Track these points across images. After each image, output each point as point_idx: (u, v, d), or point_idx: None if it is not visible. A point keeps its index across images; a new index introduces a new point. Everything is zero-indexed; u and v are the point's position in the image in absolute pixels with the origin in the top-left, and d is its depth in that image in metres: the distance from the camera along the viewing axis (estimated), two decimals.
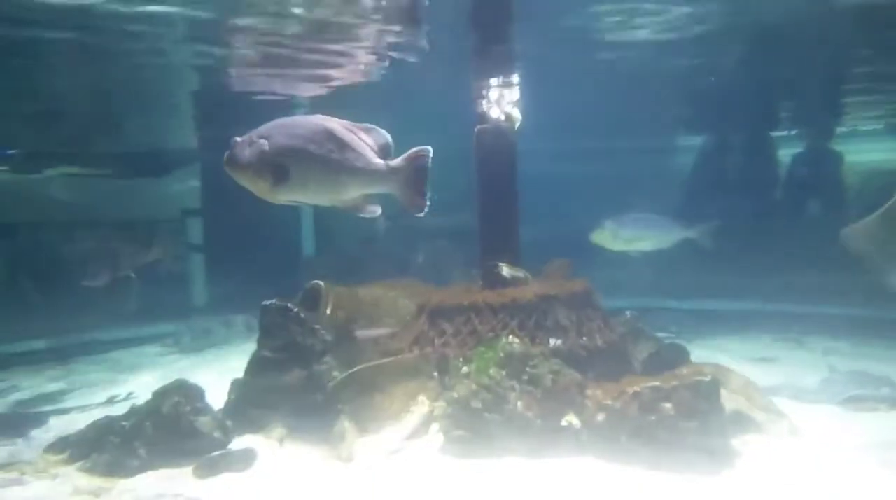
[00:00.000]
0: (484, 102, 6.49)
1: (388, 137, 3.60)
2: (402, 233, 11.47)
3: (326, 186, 3.56)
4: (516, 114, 6.29)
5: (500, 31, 6.86)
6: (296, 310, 6.27)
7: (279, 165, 3.44)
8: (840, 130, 12.82)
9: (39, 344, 9.58)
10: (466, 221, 7.25)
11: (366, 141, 3.56)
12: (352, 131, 3.55)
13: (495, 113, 6.31)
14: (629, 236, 8.19)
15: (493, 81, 7.42)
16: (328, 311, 6.50)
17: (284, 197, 3.56)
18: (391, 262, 10.67)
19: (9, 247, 10.92)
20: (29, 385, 8.02)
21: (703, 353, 6.27)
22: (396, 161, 3.56)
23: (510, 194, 6.29)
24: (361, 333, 6.13)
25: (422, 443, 5.11)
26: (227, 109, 9.85)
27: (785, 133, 12.97)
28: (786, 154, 12.43)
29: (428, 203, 3.60)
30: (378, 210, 3.75)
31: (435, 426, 5.26)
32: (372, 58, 7.72)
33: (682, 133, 14.47)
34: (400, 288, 7.04)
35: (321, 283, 6.61)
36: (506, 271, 6.02)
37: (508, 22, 6.66)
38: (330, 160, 3.47)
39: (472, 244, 6.72)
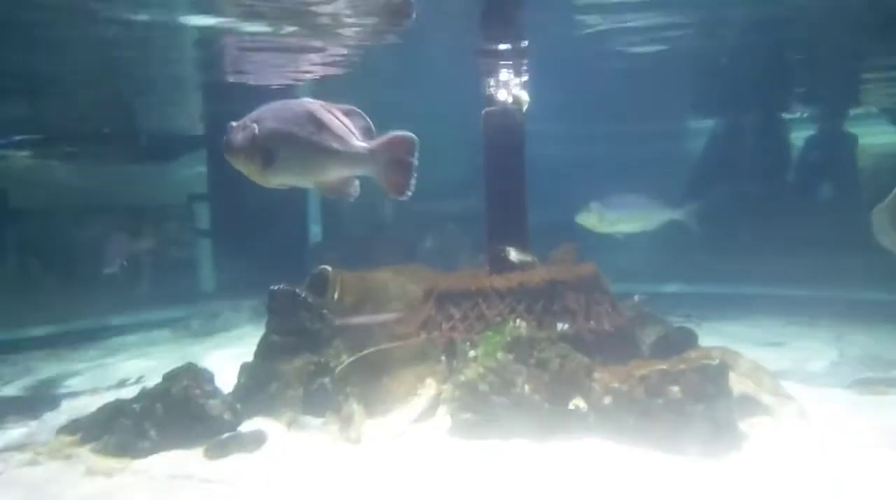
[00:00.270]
0: (491, 83, 6.44)
1: (368, 120, 3.67)
2: (410, 218, 11.46)
3: (310, 169, 3.67)
4: (524, 96, 6.25)
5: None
6: (304, 295, 6.31)
7: (267, 149, 3.54)
8: (854, 111, 12.64)
9: (50, 329, 9.64)
10: (473, 206, 7.25)
11: (347, 124, 3.63)
12: (334, 114, 3.62)
13: (503, 95, 6.26)
14: (614, 218, 8.13)
15: (502, 61, 7.35)
16: (336, 296, 6.53)
17: (274, 180, 3.67)
18: (399, 247, 10.66)
19: (18, 232, 10.98)
20: (40, 369, 8.10)
21: (712, 337, 6.26)
22: (375, 144, 3.63)
23: (518, 178, 6.26)
24: (363, 319, 6.15)
25: (429, 425, 5.14)
26: (232, 92, 9.85)
27: (797, 115, 12.83)
28: (798, 137, 12.31)
29: (412, 187, 3.68)
30: (356, 192, 3.83)
31: (442, 409, 5.29)
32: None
33: (692, 116, 14.34)
34: (407, 273, 7.04)
35: (328, 268, 6.64)
36: (513, 255, 6.01)
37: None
38: (312, 143, 3.56)
39: (479, 229, 6.71)
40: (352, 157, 3.61)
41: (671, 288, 9.98)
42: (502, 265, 6.01)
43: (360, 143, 3.61)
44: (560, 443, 4.66)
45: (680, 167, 12.31)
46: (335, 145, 3.58)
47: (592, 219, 8.04)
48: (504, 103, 6.24)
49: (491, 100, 6.32)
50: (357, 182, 3.77)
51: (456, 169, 9.94)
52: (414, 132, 3.73)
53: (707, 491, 3.84)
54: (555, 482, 4.10)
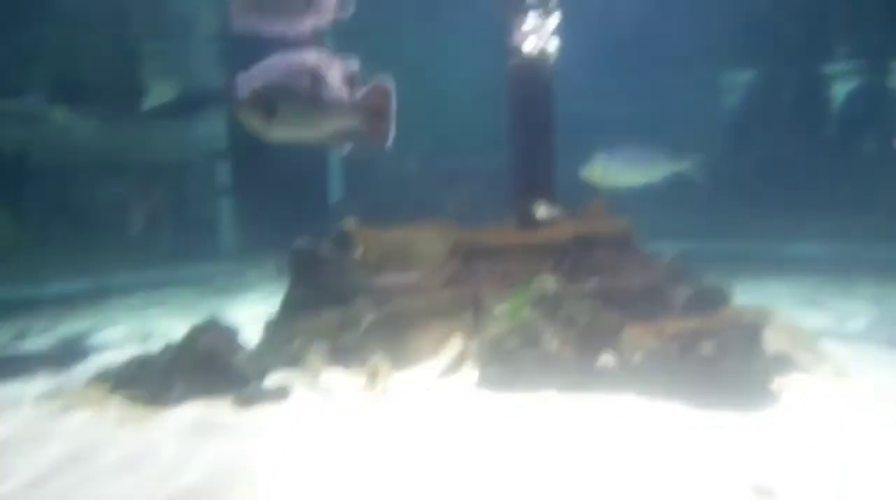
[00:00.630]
0: (518, 32, 6.24)
1: (356, 66, 3.72)
2: (434, 175, 11.34)
3: (307, 122, 3.74)
4: (553, 46, 6.05)
5: None
6: (326, 251, 6.26)
7: (267, 103, 3.62)
8: None
9: (74, 286, 9.74)
10: (499, 163, 7.09)
11: (340, 76, 3.70)
12: (327, 64, 3.68)
13: (530, 46, 6.07)
14: (618, 171, 7.94)
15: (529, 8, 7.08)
16: (359, 252, 6.47)
17: (275, 133, 3.73)
18: (422, 206, 10.56)
19: (41, 190, 11.03)
20: (66, 325, 8.18)
21: (748, 295, 6.11)
22: (357, 95, 3.69)
23: (546, 131, 6.11)
24: (387, 279, 6.08)
25: (455, 379, 5.11)
26: (251, 46, 9.68)
27: (840, 66, 12.39)
28: (840, 90, 11.92)
29: (391, 135, 3.73)
30: (349, 145, 3.90)
31: (468, 364, 5.25)
32: None
33: (729, 67, 13.87)
34: (432, 230, 6.95)
35: (352, 224, 6.57)
36: (541, 210, 5.89)
37: None
38: (308, 97, 3.64)
39: (505, 187, 6.59)
40: (339, 107, 3.68)
41: (706, 246, 9.78)
42: (530, 221, 5.91)
43: (346, 93, 3.70)
44: (588, 399, 4.61)
45: (715, 123, 12.01)
46: (328, 98, 3.65)
47: (597, 172, 7.86)
48: (531, 54, 6.06)
49: (517, 51, 6.14)
50: (349, 134, 3.83)
51: (481, 125, 9.77)
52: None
53: (738, 448, 3.77)
54: (583, 434, 4.05)
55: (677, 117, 11.58)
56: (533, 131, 6.15)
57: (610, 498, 3.25)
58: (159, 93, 11.65)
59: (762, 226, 9.97)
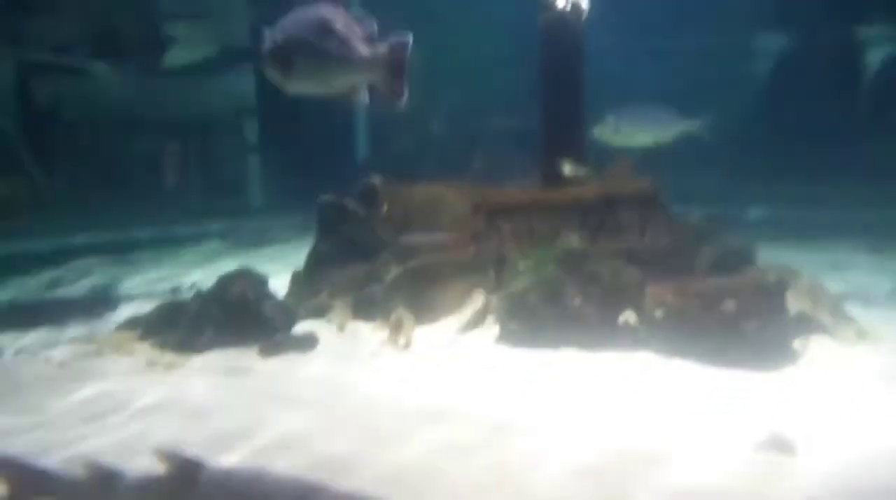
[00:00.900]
0: None
1: (374, 26, 3.79)
2: (460, 135, 11.31)
3: (324, 76, 3.84)
4: (585, 1, 5.97)
5: None
6: (352, 206, 6.33)
7: (286, 57, 3.73)
8: None
9: (105, 238, 9.94)
10: (525, 122, 7.06)
11: (356, 31, 3.76)
12: (345, 21, 3.76)
13: (561, 1, 6.00)
14: (629, 130, 7.86)
15: None
16: (384, 208, 6.52)
17: (294, 87, 3.85)
18: (448, 165, 10.57)
19: (74, 145, 11.19)
20: (96, 276, 8.38)
21: (773, 259, 6.10)
22: (377, 48, 3.75)
23: (575, 88, 6.06)
24: (413, 238, 6.14)
25: (477, 334, 5.19)
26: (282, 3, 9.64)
27: (875, 28, 12.05)
28: (877, 54, 11.60)
29: (407, 92, 3.77)
30: (365, 100, 3.97)
31: (490, 319, 5.32)
32: None
33: (762, 31, 13.53)
34: (457, 188, 6.98)
35: (377, 180, 6.62)
36: (568, 168, 5.88)
37: None
38: (325, 50, 3.72)
39: (530, 147, 6.57)
40: (357, 62, 3.75)
41: (735, 210, 9.71)
42: (556, 179, 5.90)
43: (365, 48, 3.75)
44: (609, 354, 4.66)
45: (745, 90, 11.79)
46: (345, 52, 3.72)
47: (608, 132, 7.79)
48: (563, 9, 5.98)
49: (549, 5, 6.06)
50: (364, 89, 3.91)
51: (507, 84, 9.69)
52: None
53: (756, 406, 3.80)
54: (602, 388, 4.11)
55: (709, 81, 11.38)
56: (562, 88, 6.09)
57: (622, 448, 3.31)
58: (192, 49, 11.70)
59: (792, 192, 9.85)
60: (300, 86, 3.85)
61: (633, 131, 7.81)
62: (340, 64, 3.75)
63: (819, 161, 10.01)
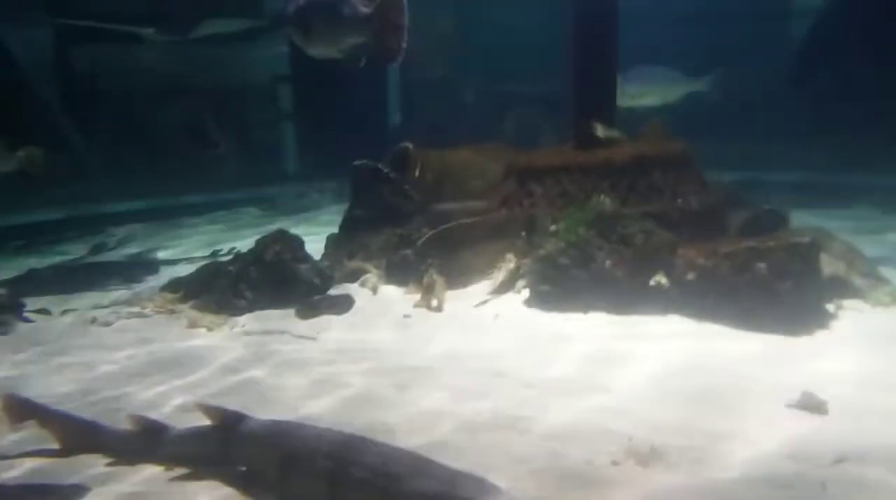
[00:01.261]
0: None
1: None
2: (490, 100, 11.26)
3: (336, 37, 4.02)
4: None
5: None
6: (386, 170, 6.39)
7: (305, 20, 3.96)
8: None
9: (145, 204, 10.17)
10: (555, 88, 7.00)
11: None
12: None
13: None
14: (635, 91, 7.76)
15: None
16: (417, 173, 6.58)
17: (314, 49, 4.07)
18: (479, 130, 10.55)
19: (111, 114, 11.38)
20: (138, 241, 8.63)
21: (807, 222, 6.02)
22: (371, 9, 3.88)
23: (608, 50, 5.99)
24: (447, 205, 6.18)
25: (508, 296, 5.25)
26: None
27: None
28: None
29: (403, 51, 3.89)
30: (364, 59, 4.14)
31: (521, 282, 5.37)
32: None
33: None
34: (488, 152, 7.00)
35: (410, 145, 6.66)
36: (600, 130, 5.84)
37: None
38: (335, 13, 3.90)
39: (561, 112, 6.54)
40: (357, 22, 3.90)
41: (768, 176, 9.57)
42: (588, 141, 5.88)
43: (363, 9, 3.88)
44: (639, 316, 4.68)
45: (781, 53, 11.47)
46: (351, 14, 3.89)
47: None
48: None
49: None
50: (364, 49, 4.07)
51: (537, 50, 9.58)
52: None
53: (789, 367, 3.81)
54: (633, 348, 4.15)
55: (743, 44, 11.10)
56: (596, 51, 6.03)
57: (649, 407, 3.37)
58: (226, 18, 11.73)
59: (826, 157, 9.63)
60: (320, 48, 4.05)
61: (639, 92, 7.77)
62: (349, 26, 3.92)
63: (854, 124, 9.75)
